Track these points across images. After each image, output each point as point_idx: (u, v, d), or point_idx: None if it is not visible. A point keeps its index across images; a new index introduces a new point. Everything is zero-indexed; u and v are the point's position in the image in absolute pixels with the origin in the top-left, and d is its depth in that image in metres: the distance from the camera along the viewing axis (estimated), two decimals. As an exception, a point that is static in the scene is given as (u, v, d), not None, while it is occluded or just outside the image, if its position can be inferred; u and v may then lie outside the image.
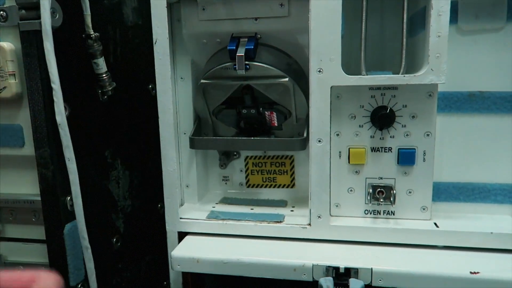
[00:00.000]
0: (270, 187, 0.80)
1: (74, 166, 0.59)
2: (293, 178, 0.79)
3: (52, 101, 0.55)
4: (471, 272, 0.53)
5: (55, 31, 0.55)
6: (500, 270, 0.54)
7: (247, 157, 0.79)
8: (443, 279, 0.54)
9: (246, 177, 0.80)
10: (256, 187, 0.80)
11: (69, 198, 0.59)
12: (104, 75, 0.63)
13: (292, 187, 0.79)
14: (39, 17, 0.53)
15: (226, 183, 0.81)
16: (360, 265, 0.56)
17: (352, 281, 0.54)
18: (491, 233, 0.58)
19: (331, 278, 0.55)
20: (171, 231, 0.69)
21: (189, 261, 0.62)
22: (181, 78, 0.71)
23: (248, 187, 0.81)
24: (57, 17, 0.56)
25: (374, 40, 0.67)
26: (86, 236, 0.62)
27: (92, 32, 0.59)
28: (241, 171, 0.80)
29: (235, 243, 0.65)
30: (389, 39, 0.67)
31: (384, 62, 0.68)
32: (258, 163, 0.79)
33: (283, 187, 0.79)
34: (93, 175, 0.67)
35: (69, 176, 0.59)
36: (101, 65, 0.61)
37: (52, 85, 0.54)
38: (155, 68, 0.64)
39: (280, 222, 0.66)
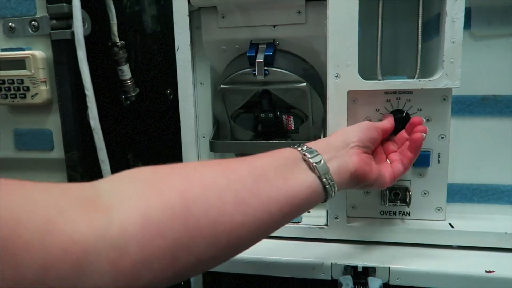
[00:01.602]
0: (286, 189, 0.81)
1: (108, 167, 0.61)
2: (309, 180, 0.80)
3: (80, 106, 0.57)
4: (486, 271, 0.55)
5: (84, 40, 0.58)
6: (515, 269, 0.55)
7: (263, 159, 0.81)
8: (458, 277, 0.55)
9: (262, 179, 0.82)
10: (272, 189, 0.82)
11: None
12: (128, 81, 0.65)
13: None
14: (69, 27, 0.56)
15: (242, 185, 0.83)
16: (377, 264, 0.58)
17: (371, 280, 0.56)
18: (506, 233, 0.60)
19: (350, 277, 0.56)
20: (191, 231, 0.71)
21: (210, 261, 0.64)
22: (201, 83, 0.73)
23: (264, 189, 0.82)
24: (86, 26, 0.58)
25: (386, 44, 0.69)
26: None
27: (118, 40, 0.62)
28: (257, 173, 0.82)
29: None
30: (402, 43, 0.69)
31: (397, 66, 0.70)
32: (274, 165, 0.81)
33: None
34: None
35: (103, 177, 0.61)
36: (126, 71, 0.64)
37: (86, 91, 0.57)
38: (177, 74, 0.67)
39: (298, 222, 0.67)
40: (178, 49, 0.66)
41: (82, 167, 0.59)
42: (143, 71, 0.78)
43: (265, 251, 0.64)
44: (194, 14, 0.70)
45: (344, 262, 0.59)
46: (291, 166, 0.45)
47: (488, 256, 0.59)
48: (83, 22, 0.57)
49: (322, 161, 0.46)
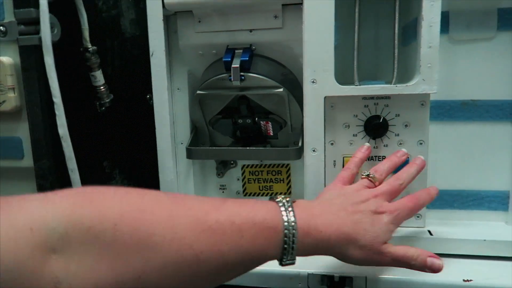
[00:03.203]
0: (267, 195, 0.80)
1: (77, 177, 0.60)
2: (290, 186, 0.79)
3: (50, 114, 0.56)
4: (464, 280, 0.54)
5: (54, 45, 0.56)
6: (492, 277, 0.54)
7: (243, 165, 0.80)
8: (436, 286, 0.54)
9: (243, 186, 0.81)
10: (253, 195, 0.81)
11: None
12: (101, 87, 0.64)
13: (288, 195, 0.80)
14: (37, 32, 0.54)
15: (223, 192, 0.82)
16: (354, 274, 0.57)
17: (346, 290, 0.55)
18: (484, 240, 0.59)
19: (326, 287, 0.55)
20: (169, 240, 0.70)
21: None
22: (178, 88, 0.72)
23: (245, 195, 0.81)
24: (55, 31, 0.57)
25: (369, 48, 0.68)
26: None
27: (90, 46, 0.60)
28: (238, 179, 0.81)
29: (232, 251, 0.66)
30: (384, 47, 0.68)
31: (379, 70, 0.69)
32: (254, 171, 0.80)
33: (279, 195, 0.80)
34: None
35: (72, 187, 0.60)
36: (99, 77, 0.63)
37: (54, 99, 0.55)
38: (152, 80, 0.65)
39: (276, 230, 0.66)
40: (152, 54, 0.65)
41: (52, 176, 0.58)
42: (121, 76, 0.77)
43: (242, 260, 0.63)
44: (170, 18, 0.69)
45: (321, 272, 0.58)
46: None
47: (467, 264, 0.58)
48: (52, 27, 0.55)
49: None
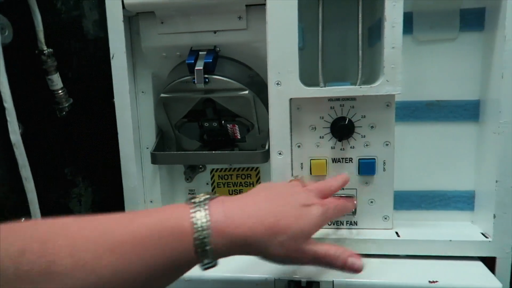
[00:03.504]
0: (237, 199, 0.79)
1: (32, 185, 0.57)
2: (260, 190, 0.78)
3: (3, 120, 0.53)
4: (430, 281, 0.54)
5: (6, 48, 0.54)
6: (458, 278, 0.54)
7: (212, 169, 0.78)
8: (402, 289, 0.54)
9: (212, 190, 0.79)
10: (223, 199, 0.79)
11: (23, 219, 0.58)
12: (60, 91, 0.62)
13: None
14: (-14, 34, 0.51)
15: (193, 197, 0.80)
16: (321, 278, 0.56)
17: (312, 295, 0.54)
18: (450, 240, 0.59)
19: (291, 293, 0.54)
20: (134, 248, 0.67)
21: (150, 279, 0.60)
22: (142, 92, 0.70)
23: (215, 200, 0.80)
24: (6, 33, 0.54)
25: (337, 49, 0.67)
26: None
27: (45, 48, 0.58)
28: (207, 184, 0.79)
29: (199, 258, 0.64)
30: (351, 49, 0.68)
31: (347, 72, 0.68)
32: (224, 175, 0.79)
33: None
34: (52, 194, 0.65)
35: (27, 195, 0.57)
36: (56, 81, 0.60)
37: (5, 104, 0.53)
38: (113, 82, 0.63)
39: (244, 235, 0.65)
40: (113, 56, 0.63)
41: (6, 185, 0.55)
42: (83, 79, 0.74)
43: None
44: (133, 19, 0.67)
45: (288, 277, 0.57)
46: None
47: (433, 265, 0.58)
48: (3, 28, 0.53)
49: None
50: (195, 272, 0.59)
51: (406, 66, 0.61)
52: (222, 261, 0.62)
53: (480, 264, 0.58)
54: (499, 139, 0.56)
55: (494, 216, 0.58)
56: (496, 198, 0.57)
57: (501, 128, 0.55)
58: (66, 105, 0.62)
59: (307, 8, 0.62)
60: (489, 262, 0.59)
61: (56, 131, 0.66)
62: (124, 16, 0.62)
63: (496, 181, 0.57)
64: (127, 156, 0.65)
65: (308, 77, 0.65)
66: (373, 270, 0.58)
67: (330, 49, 0.67)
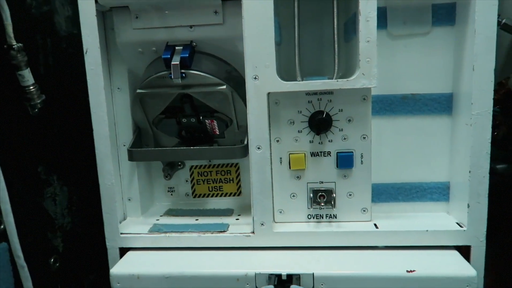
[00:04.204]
0: (216, 196, 0.79)
1: (3, 184, 0.55)
2: (239, 186, 0.78)
3: (-30, 116, 0.51)
4: (407, 271, 0.54)
5: (-28, 42, 0.52)
6: (434, 267, 0.56)
7: (192, 166, 0.78)
8: (381, 279, 0.54)
9: (192, 187, 0.79)
10: (203, 197, 0.79)
11: (-5, 219, 0.56)
12: (31, 87, 0.60)
13: (239, 195, 0.78)
14: (-49, 28, 0.49)
15: (171, 194, 0.79)
16: (302, 271, 0.56)
17: (292, 288, 0.54)
18: (427, 231, 0.60)
19: (271, 286, 0.54)
20: (112, 247, 0.66)
21: (129, 278, 0.59)
22: (118, 88, 0.69)
23: (194, 197, 0.79)
24: (-28, 27, 0.52)
25: (316, 44, 0.68)
26: (21, 254, 0.58)
27: (14, 43, 0.56)
28: (186, 181, 0.78)
29: (178, 256, 0.64)
30: (329, 44, 0.68)
31: (325, 66, 0.69)
32: (203, 172, 0.78)
33: (229, 195, 0.78)
34: (25, 193, 0.63)
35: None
36: (27, 77, 0.58)
37: (-30, 100, 0.51)
38: (87, 78, 0.62)
39: (224, 231, 0.65)
40: (86, 52, 0.61)
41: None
42: (57, 76, 0.72)
43: (189, 264, 0.61)
44: (108, 14, 0.66)
45: (269, 271, 0.57)
46: None
47: (411, 254, 0.59)
48: (-31, 22, 0.51)
49: None
50: (175, 268, 0.59)
51: (381, 61, 0.62)
52: (203, 259, 0.62)
53: (455, 253, 0.60)
54: (471, 131, 0.57)
55: (468, 206, 0.59)
56: (470, 188, 0.59)
57: (473, 119, 0.57)
58: (38, 101, 0.61)
59: (284, 4, 0.63)
60: (465, 251, 0.60)
61: (29, 129, 0.64)
62: (97, 10, 0.61)
63: (469, 172, 0.58)
64: (102, 153, 0.64)
65: (286, 72, 0.65)
66: (352, 261, 0.59)
67: (308, 44, 0.67)
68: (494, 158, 0.72)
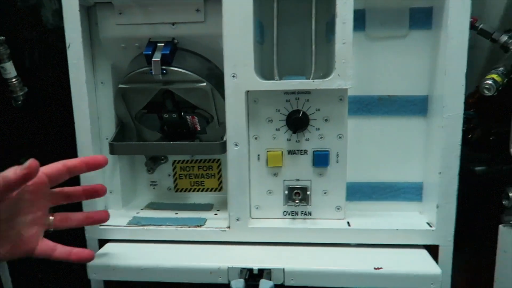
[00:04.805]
0: (198, 191, 0.80)
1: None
2: (221, 182, 0.79)
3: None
4: (375, 268, 0.56)
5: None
6: (401, 264, 0.57)
7: (174, 161, 0.79)
8: (348, 275, 0.56)
9: (174, 182, 0.80)
10: (185, 191, 0.80)
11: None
12: (13, 80, 0.61)
13: (220, 190, 0.80)
14: None
15: (154, 188, 0.81)
16: (273, 266, 0.58)
17: (262, 282, 0.55)
18: (397, 229, 0.62)
19: (242, 280, 0.56)
20: (91, 238, 0.68)
21: (105, 269, 0.61)
22: (101, 82, 0.70)
23: (176, 191, 0.80)
24: (-45, 19, 0.53)
25: (298, 44, 0.68)
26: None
27: (-4, 35, 0.57)
28: (169, 175, 0.80)
29: (156, 249, 0.65)
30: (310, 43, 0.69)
31: (306, 66, 0.70)
32: (185, 167, 0.79)
33: (211, 190, 0.80)
34: (6, 183, 0.64)
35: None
36: (9, 69, 0.60)
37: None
38: (69, 73, 0.63)
39: (200, 226, 0.66)
40: (69, 46, 0.62)
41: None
42: (43, 69, 0.73)
43: (165, 256, 0.62)
44: (92, 9, 0.67)
45: (241, 265, 0.58)
46: None
47: (381, 252, 0.61)
48: (-49, 14, 0.52)
49: None
50: (150, 261, 0.61)
51: (359, 62, 0.64)
52: (179, 252, 0.63)
53: (424, 252, 0.61)
54: (443, 133, 0.59)
55: (437, 206, 0.61)
56: (439, 189, 0.60)
57: (445, 121, 0.58)
58: (20, 94, 0.62)
59: (269, 4, 0.63)
60: (433, 250, 0.62)
61: (12, 121, 0.65)
62: (81, 5, 0.62)
63: (440, 173, 0.60)
64: (83, 146, 0.65)
65: (268, 71, 0.66)
66: (323, 258, 0.60)
67: (290, 43, 0.68)
68: (471, 160, 0.74)
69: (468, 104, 0.63)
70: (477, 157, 0.77)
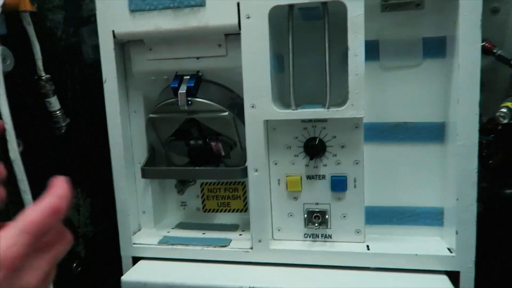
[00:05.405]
0: (224, 211, 0.84)
1: (29, 197, 0.63)
2: (246, 203, 0.83)
3: (4, 139, 0.60)
4: (392, 293, 0.57)
5: (7, 75, 0.60)
6: (416, 290, 0.58)
7: (202, 183, 0.84)
8: (363, 300, 0.57)
9: (202, 202, 0.85)
10: (212, 211, 0.85)
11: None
12: (57, 112, 0.68)
13: (245, 211, 0.83)
14: (-10, 65, 0.58)
15: (184, 208, 0.86)
16: (292, 287, 0.60)
17: (279, 304, 0.58)
18: (416, 254, 0.62)
19: (261, 301, 0.58)
20: (125, 256, 0.73)
21: (137, 285, 0.66)
22: (135, 111, 0.76)
23: (204, 211, 0.85)
24: (8, 62, 0.61)
25: (316, 72, 0.71)
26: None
27: (43, 74, 0.64)
28: (197, 196, 0.84)
29: (184, 267, 0.69)
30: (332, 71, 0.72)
31: (324, 94, 0.72)
32: (212, 189, 0.84)
33: (237, 211, 0.84)
34: (50, 205, 0.71)
35: (24, 206, 0.63)
36: (54, 103, 0.67)
37: (5, 126, 0.59)
38: (105, 104, 0.69)
39: (225, 246, 0.70)
40: (105, 81, 0.69)
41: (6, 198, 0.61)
42: (82, 99, 0.80)
43: (191, 275, 0.66)
44: (126, 45, 0.73)
45: (263, 285, 0.61)
46: None
47: (401, 277, 0.62)
48: (4, 58, 0.59)
49: None
50: (177, 279, 0.65)
51: (374, 91, 0.65)
52: (205, 271, 0.67)
53: (444, 277, 0.62)
54: (458, 160, 0.59)
55: (457, 232, 0.61)
56: (457, 215, 0.60)
57: (459, 149, 0.59)
58: (63, 124, 0.69)
59: (286, 36, 0.67)
60: (454, 276, 0.62)
61: (55, 148, 0.72)
62: (116, 43, 0.68)
63: (457, 199, 0.60)
64: (118, 170, 0.71)
65: (288, 98, 0.70)
66: (342, 281, 0.62)
67: (309, 72, 0.71)
68: (499, 183, 0.74)
69: (487, 130, 0.64)
70: (504, 181, 0.76)
